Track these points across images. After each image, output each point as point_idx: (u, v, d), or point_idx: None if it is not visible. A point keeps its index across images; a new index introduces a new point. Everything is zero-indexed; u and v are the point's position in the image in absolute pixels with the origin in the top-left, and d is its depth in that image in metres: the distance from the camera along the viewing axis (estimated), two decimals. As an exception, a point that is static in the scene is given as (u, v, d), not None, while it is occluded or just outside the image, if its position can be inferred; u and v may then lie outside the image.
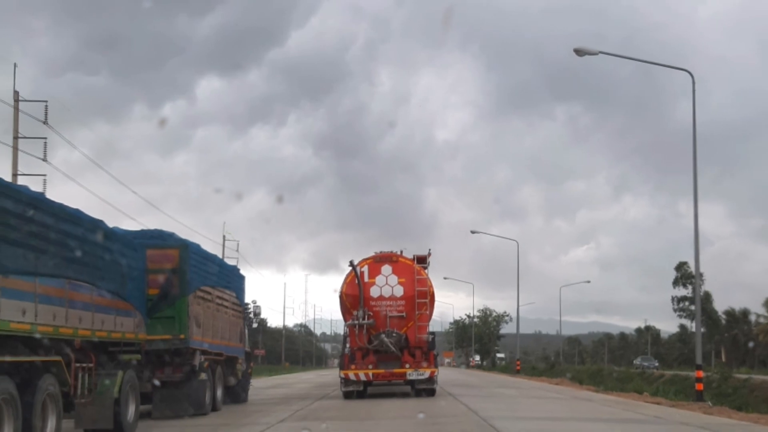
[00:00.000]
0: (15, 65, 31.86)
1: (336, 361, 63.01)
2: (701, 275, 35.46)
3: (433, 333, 25.95)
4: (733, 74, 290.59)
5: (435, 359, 24.89)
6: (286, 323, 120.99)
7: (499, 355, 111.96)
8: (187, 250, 17.45)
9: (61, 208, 11.60)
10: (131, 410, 14.04)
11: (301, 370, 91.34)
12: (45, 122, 31.61)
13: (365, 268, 24.54)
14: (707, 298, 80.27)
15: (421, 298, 24.42)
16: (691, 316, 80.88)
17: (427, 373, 24.12)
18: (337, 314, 27.96)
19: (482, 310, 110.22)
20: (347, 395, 24.30)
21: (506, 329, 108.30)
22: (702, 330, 31.48)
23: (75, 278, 11.75)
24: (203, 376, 18.48)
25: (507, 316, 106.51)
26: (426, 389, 24.50)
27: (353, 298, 24.36)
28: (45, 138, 31.86)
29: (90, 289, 12.39)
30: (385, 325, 24.12)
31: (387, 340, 23.94)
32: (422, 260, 25.55)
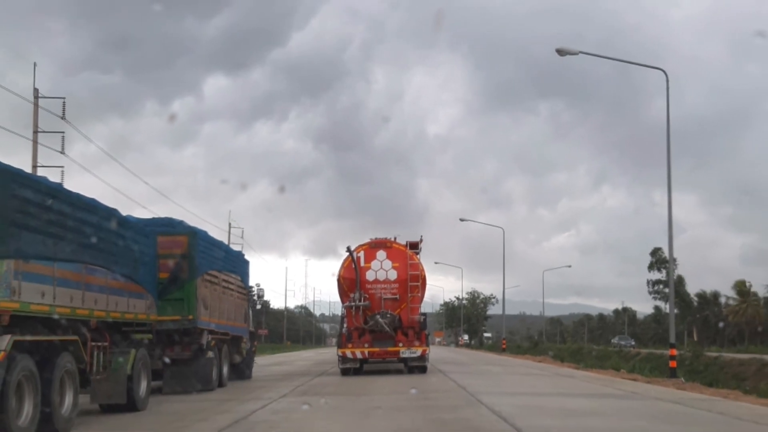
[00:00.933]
0: (35, 64, 31.86)
1: (334, 340, 63.19)
2: (675, 260, 35.46)
3: (424, 314, 25.98)
4: (705, 73, 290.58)
5: (426, 338, 24.91)
6: (287, 305, 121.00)
7: (486, 334, 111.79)
8: (196, 236, 17.46)
9: (78, 197, 11.58)
10: (143, 386, 14.08)
11: (301, 349, 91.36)
12: (63, 117, 31.52)
13: (361, 254, 24.58)
14: (680, 281, 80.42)
15: (413, 282, 24.47)
16: (665, 298, 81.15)
17: (419, 352, 24.19)
18: (335, 296, 28.05)
19: (470, 293, 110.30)
20: (344, 372, 24.37)
21: (493, 310, 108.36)
22: (675, 311, 31.56)
23: (91, 263, 11.75)
24: (210, 354, 18.52)
25: (493, 298, 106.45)
26: (418, 366, 24.56)
27: (350, 281, 24.40)
28: (63, 132, 31.85)
29: (105, 273, 12.40)
30: (379, 306, 24.17)
31: (382, 321, 23.99)
32: (414, 246, 25.61)
